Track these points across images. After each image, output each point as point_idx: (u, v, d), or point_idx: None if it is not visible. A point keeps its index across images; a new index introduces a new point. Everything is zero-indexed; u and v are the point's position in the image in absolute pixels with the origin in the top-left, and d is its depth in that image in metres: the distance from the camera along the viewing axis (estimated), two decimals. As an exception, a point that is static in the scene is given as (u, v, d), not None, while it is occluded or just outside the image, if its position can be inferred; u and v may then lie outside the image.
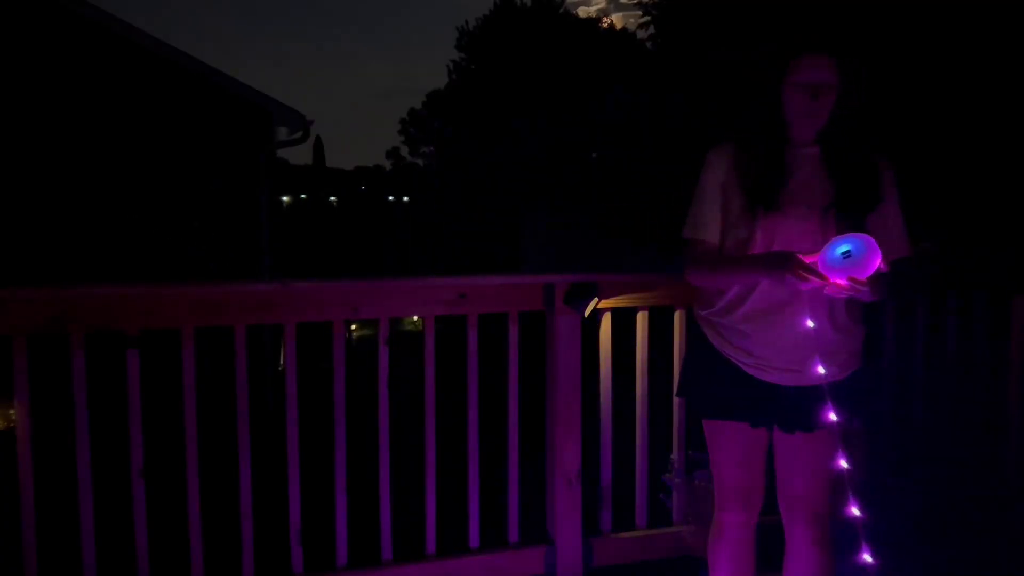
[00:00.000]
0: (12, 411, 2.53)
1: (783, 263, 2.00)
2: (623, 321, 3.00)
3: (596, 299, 2.83)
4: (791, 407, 2.18)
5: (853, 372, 2.23)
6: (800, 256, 1.99)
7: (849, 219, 2.09)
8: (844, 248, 1.94)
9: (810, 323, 2.08)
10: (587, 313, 2.86)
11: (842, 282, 1.94)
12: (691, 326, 2.40)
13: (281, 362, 8.11)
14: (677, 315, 2.98)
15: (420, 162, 38.14)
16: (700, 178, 2.26)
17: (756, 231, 2.13)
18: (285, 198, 36.68)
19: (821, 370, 2.08)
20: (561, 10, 29.22)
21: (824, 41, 2.07)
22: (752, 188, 2.14)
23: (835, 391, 2.17)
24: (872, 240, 1.95)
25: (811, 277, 1.96)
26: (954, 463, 3.34)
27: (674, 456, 3.04)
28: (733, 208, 2.18)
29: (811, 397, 2.15)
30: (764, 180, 2.13)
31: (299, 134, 10.09)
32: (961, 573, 3.05)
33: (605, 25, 29.13)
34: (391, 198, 46.05)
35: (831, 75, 2.06)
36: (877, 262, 1.95)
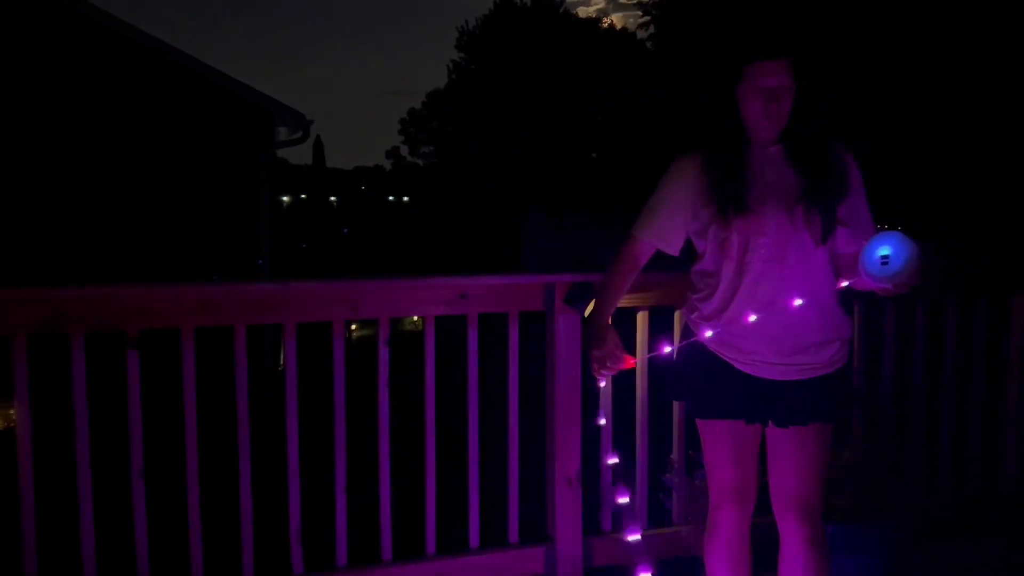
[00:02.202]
0: (12, 411, 2.53)
1: (595, 340, 2.25)
2: (623, 321, 3.00)
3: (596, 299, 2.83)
4: (784, 402, 2.20)
5: (844, 366, 2.26)
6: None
7: (818, 212, 2.14)
8: (883, 252, 1.92)
9: (798, 301, 2.12)
10: (587, 313, 2.85)
11: (888, 287, 1.94)
12: (683, 329, 2.44)
13: (281, 362, 8.11)
14: (677, 315, 2.98)
15: (420, 162, 38.17)
16: (661, 182, 2.31)
17: (732, 232, 2.18)
18: (285, 198, 36.68)
19: (798, 301, 2.12)
20: (561, 10, 29.23)
21: (775, 46, 2.13)
22: (720, 192, 2.18)
23: (828, 385, 2.19)
24: (904, 236, 1.92)
25: (603, 371, 2.22)
26: (952, 462, 3.34)
27: (674, 456, 3.04)
28: (707, 212, 2.22)
29: (805, 391, 2.18)
30: (730, 183, 2.18)
31: (299, 134, 10.09)
32: (960, 573, 3.05)
33: (605, 25, 29.15)
34: (391, 198, 46.06)
35: (785, 78, 2.12)
36: (915, 256, 1.91)
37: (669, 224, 2.28)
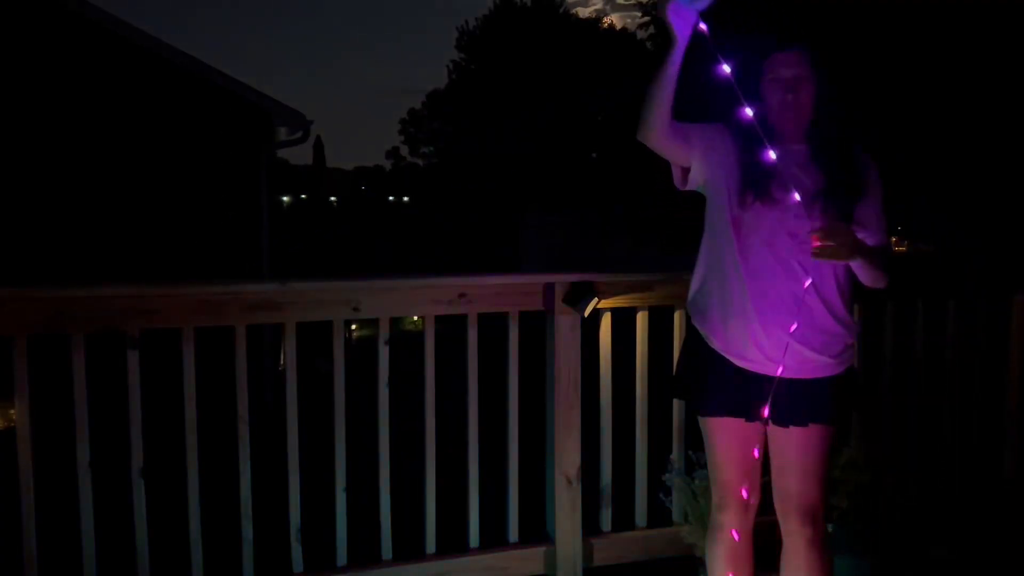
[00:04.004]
0: (12, 411, 2.53)
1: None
2: (623, 321, 3.00)
3: (596, 299, 2.84)
4: (785, 401, 2.18)
5: (848, 368, 2.25)
6: None
7: (836, 210, 2.16)
8: None
9: (807, 282, 2.14)
10: (587, 313, 2.86)
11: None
12: (687, 325, 2.43)
13: (281, 362, 8.11)
14: (677, 315, 2.98)
15: (420, 162, 38.16)
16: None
17: (747, 214, 2.20)
18: (285, 198, 36.67)
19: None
20: (561, 10, 29.22)
21: (792, 38, 2.20)
22: (743, 176, 2.20)
23: (831, 386, 2.19)
24: None
25: None
26: (952, 461, 3.35)
27: (674, 456, 3.04)
28: (728, 187, 2.22)
29: (806, 391, 2.17)
30: (755, 169, 2.19)
31: (299, 134, 10.07)
32: (960, 572, 3.05)
33: (605, 25, 29.13)
34: (391, 198, 46.07)
35: (803, 69, 2.18)
36: None
37: (693, 129, 2.25)
